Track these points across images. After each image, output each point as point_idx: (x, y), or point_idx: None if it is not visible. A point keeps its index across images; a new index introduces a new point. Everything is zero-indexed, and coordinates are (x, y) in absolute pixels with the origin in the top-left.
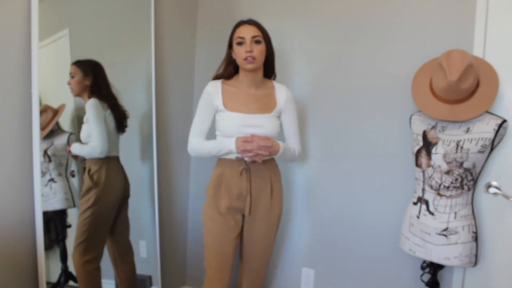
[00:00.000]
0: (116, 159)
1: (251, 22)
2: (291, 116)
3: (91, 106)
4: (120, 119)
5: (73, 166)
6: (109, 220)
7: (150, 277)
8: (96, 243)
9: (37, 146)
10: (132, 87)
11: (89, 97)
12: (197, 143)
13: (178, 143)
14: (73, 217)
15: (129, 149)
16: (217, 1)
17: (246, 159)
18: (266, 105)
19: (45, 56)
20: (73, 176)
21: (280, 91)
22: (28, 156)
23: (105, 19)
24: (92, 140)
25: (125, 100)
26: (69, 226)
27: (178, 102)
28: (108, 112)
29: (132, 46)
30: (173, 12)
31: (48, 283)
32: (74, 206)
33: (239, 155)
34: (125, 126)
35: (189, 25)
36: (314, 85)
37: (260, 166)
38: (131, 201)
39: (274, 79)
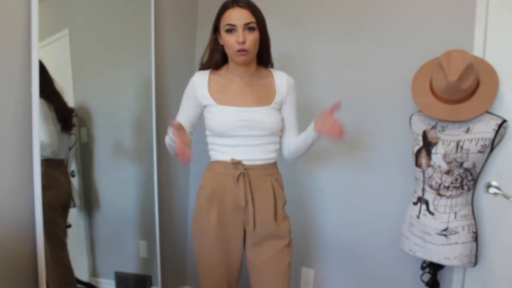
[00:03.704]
0: (61, 162)
1: (242, 5)
2: (293, 107)
3: None
4: (65, 118)
5: (73, 166)
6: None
7: (150, 277)
8: None
9: (37, 146)
10: (131, 87)
11: None
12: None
13: None
14: (74, 217)
15: (126, 149)
16: (218, 1)
17: (245, 162)
18: (264, 96)
19: (45, 56)
20: (73, 176)
21: (280, 79)
22: (28, 156)
23: (105, 19)
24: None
25: (124, 101)
26: (69, 226)
27: (178, 103)
28: (54, 113)
29: (132, 46)
30: (173, 12)
31: (48, 283)
32: (74, 206)
33: (235, 157)
34: (72, 125)
35: (189, 25)
36: (313, 86)
37: (259, 171)
38: (131, 201)
39: (271, 67)
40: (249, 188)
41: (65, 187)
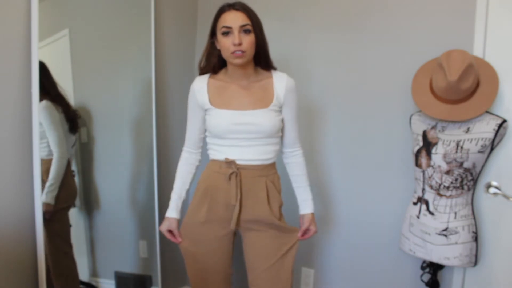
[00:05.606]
0: (68, 162)
1: (238, 8)
2: (292, 110)
3: (44, 109)
4: (72, 120)
5: (73, 166)
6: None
7: (150, 277)
8: None
9: (37, 146)
10: (132, 87)
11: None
12: (181, 165)
13: (178, 143)
14: (74, 217)
15: (126, 149)
16: (218, 2)
17: (240, 162)
18: (262, 98)
19: (45, 56)
20: (73, 176)
21: (280, 80)
22: (28, 156)
23: (105, 19)
24: (53, 150)
25: (124, 101)
26: (70, 226)
27: (178, 103)
28: (62, 114)
29: (132, 46)
30: (173, 12)
31: (48, 283)
32: (74, 206)
33: (228, 156)
34: (77, 127)
35: (189, 25)
36: (312, 86)
37: (253, 171)
38: (131, 201)
39: (274, 69)
40: (239, 187)
41: (72, 186)
